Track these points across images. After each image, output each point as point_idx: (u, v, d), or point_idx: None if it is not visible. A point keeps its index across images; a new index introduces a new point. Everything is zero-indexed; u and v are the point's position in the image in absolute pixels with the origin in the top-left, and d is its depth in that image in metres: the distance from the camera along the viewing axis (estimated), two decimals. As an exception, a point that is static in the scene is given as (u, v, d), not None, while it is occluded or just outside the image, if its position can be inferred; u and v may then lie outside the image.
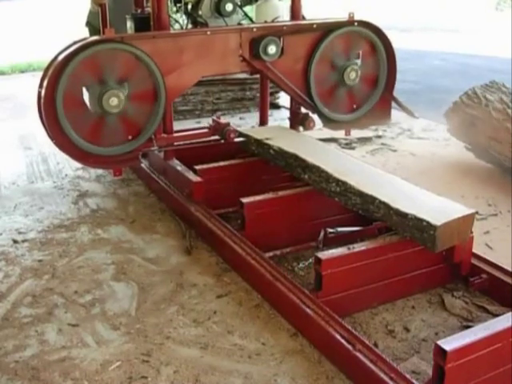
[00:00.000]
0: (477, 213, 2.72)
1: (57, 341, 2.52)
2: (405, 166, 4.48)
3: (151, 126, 3.50)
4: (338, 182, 2.94)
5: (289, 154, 3.32)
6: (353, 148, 4.92)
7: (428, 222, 2.46)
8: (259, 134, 3.70)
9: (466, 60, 9.16)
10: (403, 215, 2.58)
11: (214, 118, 3.85)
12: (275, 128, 4.11)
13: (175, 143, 3.84)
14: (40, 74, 3.39)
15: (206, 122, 5.22)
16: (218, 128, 3.74)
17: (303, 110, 4.08)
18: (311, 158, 3.20)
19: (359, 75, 3.94)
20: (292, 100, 4.10)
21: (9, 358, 2.42)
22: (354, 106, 4.11)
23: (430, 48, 10.09)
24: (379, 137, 5.22)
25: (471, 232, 2.65)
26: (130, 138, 3.49)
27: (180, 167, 3.70)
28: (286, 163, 3.36)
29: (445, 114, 4.58)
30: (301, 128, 4.09)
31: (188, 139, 3.88)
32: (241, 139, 3.72)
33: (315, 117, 4.05)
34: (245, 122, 5.67)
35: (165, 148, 3.74)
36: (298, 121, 4.10)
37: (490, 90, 4.39)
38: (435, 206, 2.63)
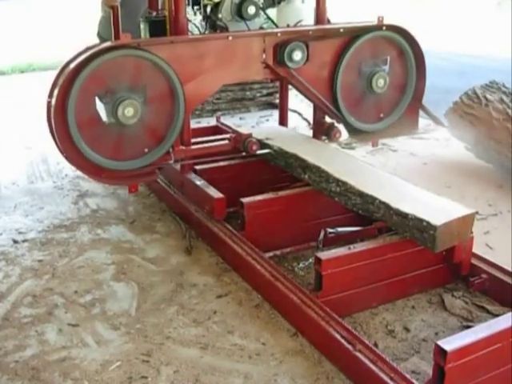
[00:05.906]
0: (477, 213, 2.72)
1: (57, 341, 2.52)
2: (405, 166, 4.48)
3: (169, 138, 3.24)
4: (338, 182, 2.95)
5: (289, 154, 3.32)
6: (353, 148, 4.91)
7: (428, 222, 2.46)
8: (259, 134, 3.69)
9: (466, 60, 9.14)
10: (403, 215, 2.58)
11: (235, 128, 3.62)
12: (275, 128, 4.10)
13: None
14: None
15: (206, 121, 5.31)
16: (238, 139, 3.52)
17: (328, 119, 3.83)
18: (311, 158, 3.20)
19: (387, 82, 3.70)
20: (315, 109, 3.81)
21: (9, 358, 2.42)
22: (382, 115, 3.85)
23: (430, 48, 10.07)
24: (379, 137, 5.21)
25: (471, 232, 2.64)
26: (146, 151, 3.23)
27: (199, 182, 3.46)
28: (286, 163, 3.36)
29: (445, 113, 4.57)
30: (325, 138, 3.83)
31: (207, 151, 3.56)
32: (264, 151, 3.51)
33: (341, 127, 3.81)
34: (245, 122, 5.67)
35: (182, 162, 3.49)
36: (322, 131, 3.81)
37: (490, 90, 4.39)
38: (435, 206, 2.63)
